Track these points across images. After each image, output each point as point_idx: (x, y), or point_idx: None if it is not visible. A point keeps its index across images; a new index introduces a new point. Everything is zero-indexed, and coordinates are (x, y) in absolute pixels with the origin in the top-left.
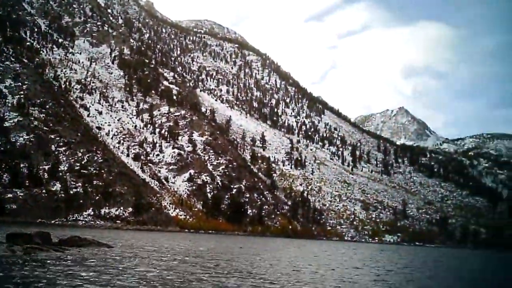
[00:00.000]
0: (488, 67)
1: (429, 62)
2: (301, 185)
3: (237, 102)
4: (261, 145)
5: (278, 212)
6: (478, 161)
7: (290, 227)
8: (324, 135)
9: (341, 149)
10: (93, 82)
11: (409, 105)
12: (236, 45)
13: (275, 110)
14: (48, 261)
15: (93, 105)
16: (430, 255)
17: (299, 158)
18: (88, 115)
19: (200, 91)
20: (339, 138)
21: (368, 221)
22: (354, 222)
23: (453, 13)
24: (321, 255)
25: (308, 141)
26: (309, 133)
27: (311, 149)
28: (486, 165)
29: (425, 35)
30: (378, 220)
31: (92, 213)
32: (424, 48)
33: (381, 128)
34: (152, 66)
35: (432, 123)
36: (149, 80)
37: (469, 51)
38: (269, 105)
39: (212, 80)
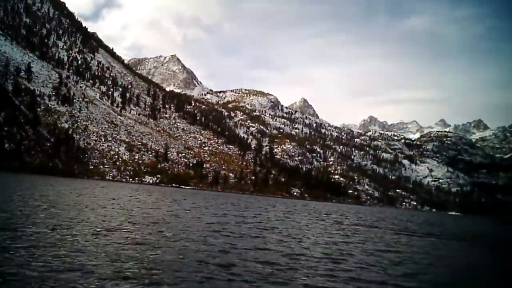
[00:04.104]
0: (248, 30)
1: (198, 14)
2: (66, 122)
3: (2, 27)
4: (26, 77)
5: (39, 149)
6: (235, 113)
7: (50, 164)
8: (96, 73)
9: (111, 89)
10: None
11: (180, 54)
12: None
13: (46, 40)
14: None
15: None
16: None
17: (67, 95)
18: None
19: None
20: (111, 78)
21: (130, 162)
22: (117, 163)
23: None
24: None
25: (78, 78)
26: (80, 70)
27: (80, 86)
28: (242, 117)
29: None
30: (140, 161)
31: None
32: None
33: (153, 73)
34: None
35: (199, 74)
36: None
37: (236, 12)
38: (39, 34)
39: None
